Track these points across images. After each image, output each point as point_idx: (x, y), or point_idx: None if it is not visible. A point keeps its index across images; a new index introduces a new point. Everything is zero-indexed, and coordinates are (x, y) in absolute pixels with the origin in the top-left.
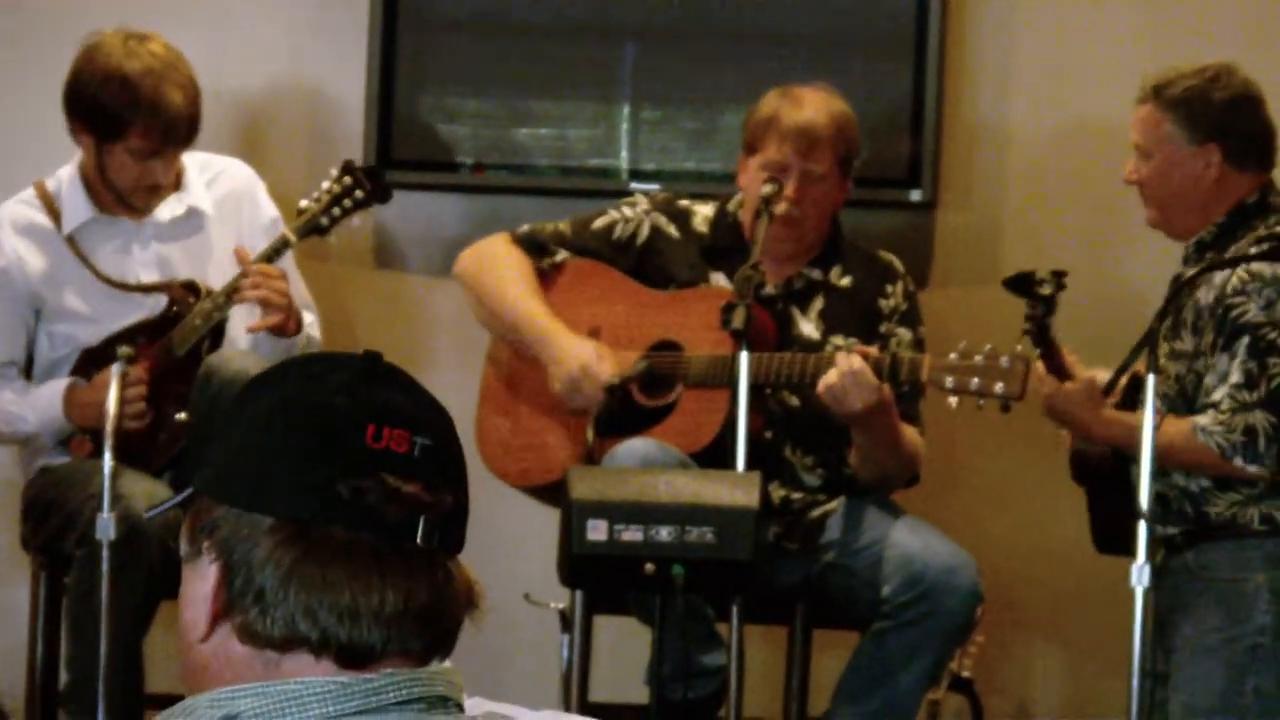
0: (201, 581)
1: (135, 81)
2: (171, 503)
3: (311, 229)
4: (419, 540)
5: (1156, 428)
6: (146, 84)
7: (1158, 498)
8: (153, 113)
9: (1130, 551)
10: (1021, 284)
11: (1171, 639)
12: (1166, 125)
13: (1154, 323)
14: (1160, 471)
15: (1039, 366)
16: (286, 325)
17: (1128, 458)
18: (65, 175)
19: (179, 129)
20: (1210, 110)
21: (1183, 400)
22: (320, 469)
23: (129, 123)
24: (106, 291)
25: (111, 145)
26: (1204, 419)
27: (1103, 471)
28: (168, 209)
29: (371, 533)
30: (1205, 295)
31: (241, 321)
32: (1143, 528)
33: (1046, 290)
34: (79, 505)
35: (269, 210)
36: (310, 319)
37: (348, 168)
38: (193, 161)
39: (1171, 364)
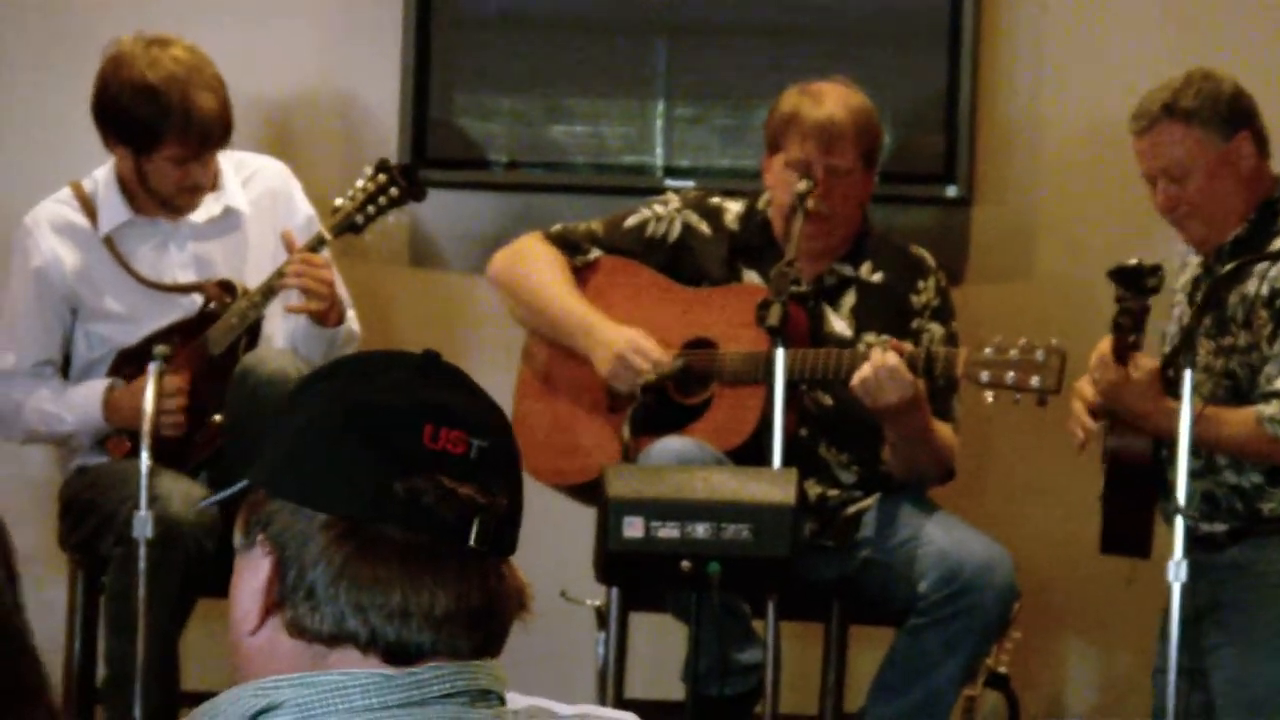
0: (253, 574)
1: (164, 91)
2: (222, 496)
3: (347, 227)
4: (473, 542)
5: (1201, 417)
6: (175, 91)
7: (1205, 496)
8: (185, 120)
9: (1135, 552)
10: (1129, 277)
11: (1210, 636)
12: (1196, 133)
13: (1193, 320)
14: (1208, 468)
15: (1104, 351)
16: (329, 314)
17: (1170, 456)
18: (101, 176)
19: (213, 132)
20: (1227, 103)
21: (1236, 395)
22: (376, 468)
23: (163, 133)
24: (143, 292)
25: (149, 156)
26: (1269, 408)
27: (1139, 471)
28: (204, 209)
29: (426, 533)
30: (1253, 288)
31: (278, 320)
32: (1180, 523)
33: (1153, 283)
34: (116, 506)
35: (305, 208)
36: (350, 314)
37: (382, 166)
38: (228, 161)
39: (1220, 360)
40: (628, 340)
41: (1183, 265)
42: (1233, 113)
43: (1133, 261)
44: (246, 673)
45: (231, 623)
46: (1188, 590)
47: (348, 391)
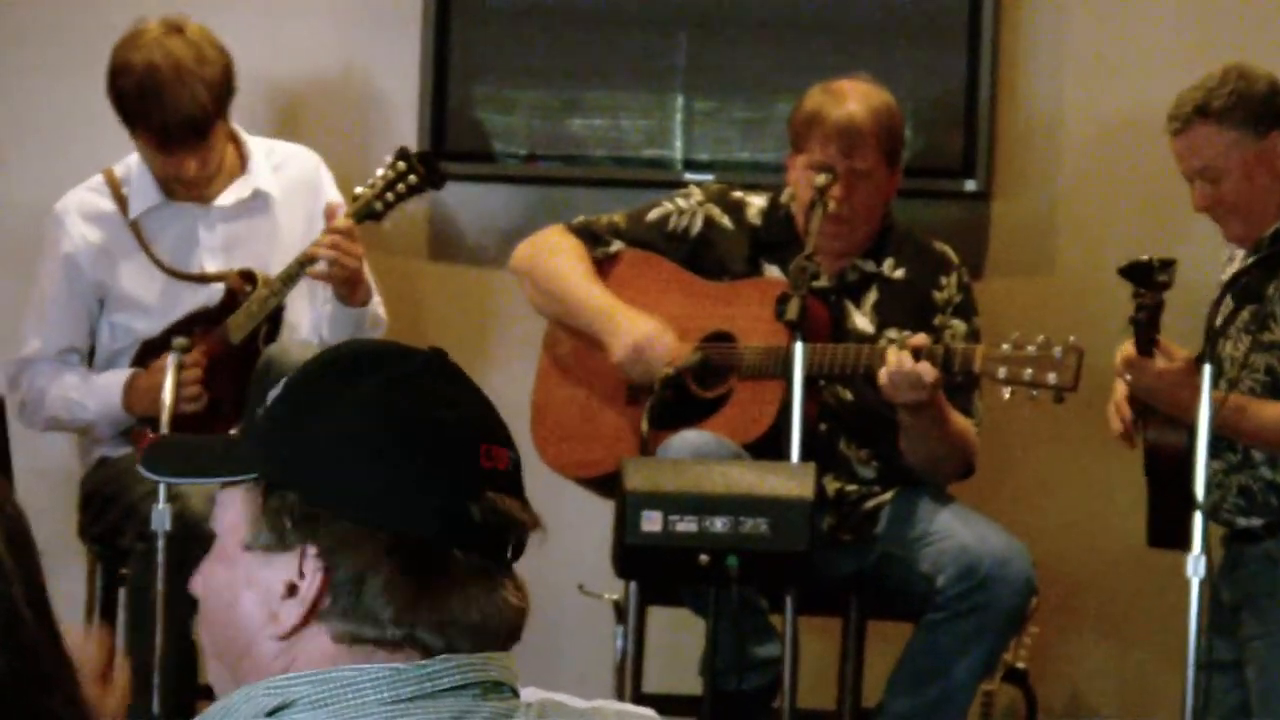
0: (273, 573)
1: (139, 80)
2: (230, 480)
3: (366, 214)
4: (509, 555)
5: (1234, 410)
6: (149, 82)
7: (1242, 490)
8: (147, 115)
9: (1182, 545)
10: (1140, 273)
11: (1244, 629)
12: (1229, 134)
13: (1211, 310)
14: (1245, 463)
15: (1128, 353)
16: (356, 291)
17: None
18: (134, 161)
19: (173, 130)
20: (1260, 102)
21: (1274, 390)
22: (444, 491)
23: (134, 119)
24: (167, 281)
25: (134, 135)
26: None
27: (1174, 465)
28: (233, 192)
29: (481, 554)
30: None
31: (304, 304)
32: (1199, 519)
33: (1164, 278)
34: (139, 500)
35: (333, 196)
36: (376, 299)
37: (402, 154)
38: (259, 146)
39: (1259, 356)
40: (646, 333)
41: (1230, 259)
42: (1266, 111)
43: (1144, 258)
44: (260, 669)
45: (241, 620)
46: (1205, 585)
47: (388, 401)
